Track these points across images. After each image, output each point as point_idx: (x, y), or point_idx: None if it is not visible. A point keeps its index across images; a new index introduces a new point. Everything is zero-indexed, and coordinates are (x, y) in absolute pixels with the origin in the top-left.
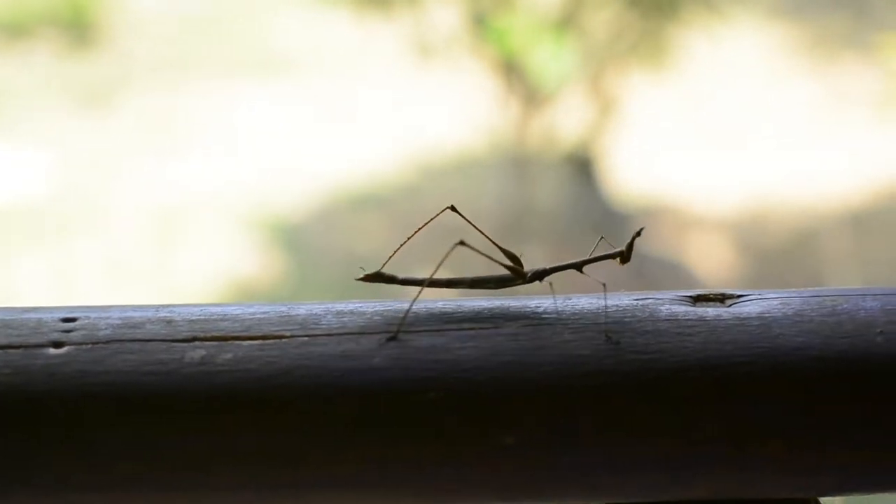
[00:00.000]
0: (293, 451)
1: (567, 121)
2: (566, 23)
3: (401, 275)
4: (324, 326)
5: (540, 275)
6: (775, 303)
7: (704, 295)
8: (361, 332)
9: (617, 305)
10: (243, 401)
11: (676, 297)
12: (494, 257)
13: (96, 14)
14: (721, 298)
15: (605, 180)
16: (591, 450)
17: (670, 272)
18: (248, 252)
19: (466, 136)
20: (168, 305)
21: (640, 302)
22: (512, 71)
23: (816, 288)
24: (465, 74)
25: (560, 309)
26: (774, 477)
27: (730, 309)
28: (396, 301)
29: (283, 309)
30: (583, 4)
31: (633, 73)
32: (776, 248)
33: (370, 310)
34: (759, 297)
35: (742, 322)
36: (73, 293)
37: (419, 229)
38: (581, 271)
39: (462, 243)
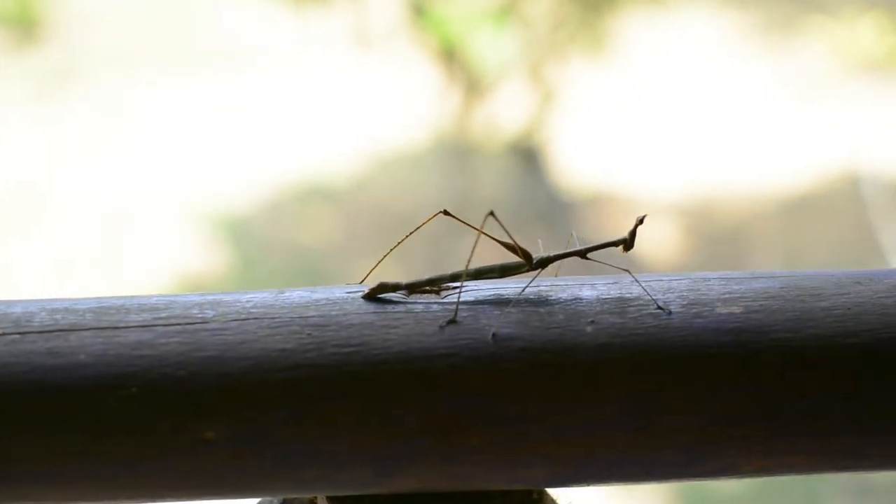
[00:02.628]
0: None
1: (510, 110)
2: (506, 11)
3: (404, 280)
4: (36, 324)
5: (544, 262)
6: (489, 293)
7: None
8: (71, 329)
9: (327, 298)
10: None
11: None
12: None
13: (43, 10)
14: (437, 291)
15: (550, 169)
16: (292, 444)
17: (616, 259)
18: (196, 245)
19: (411, 127)
20: None
21: (351, 295)
22: (453, 60)
23: (539, 279)
24: (408, 65)
25: (271, 303)
26: (482, 469)
27: (443, 301)
28: (109, 298)
29: (1, 307)
30: None
31: (575, 61)
32: (722, 233)
33: (83, 307)
34: (475, 288)
35: (451, 314)
36: (19, 289)
37: (409, 234)
38: (585, 258)
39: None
